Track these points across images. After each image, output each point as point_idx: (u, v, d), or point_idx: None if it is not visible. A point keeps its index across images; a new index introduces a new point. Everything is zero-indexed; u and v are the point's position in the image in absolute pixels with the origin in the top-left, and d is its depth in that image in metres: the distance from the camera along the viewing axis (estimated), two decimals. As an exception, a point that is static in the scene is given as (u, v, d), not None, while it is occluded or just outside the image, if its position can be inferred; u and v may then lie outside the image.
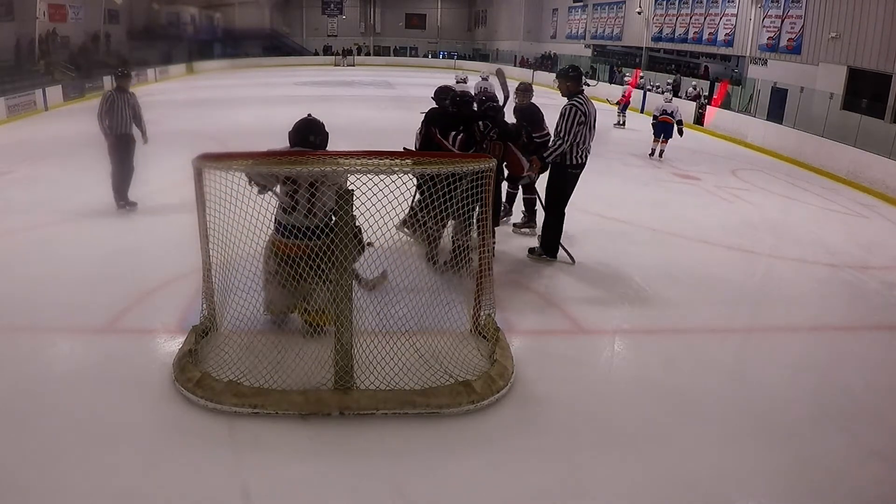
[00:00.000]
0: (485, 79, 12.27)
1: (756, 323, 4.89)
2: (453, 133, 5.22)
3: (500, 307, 4.29)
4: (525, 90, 6.53)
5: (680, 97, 16.68)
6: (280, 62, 34.67)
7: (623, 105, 15.77)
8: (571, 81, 5.39)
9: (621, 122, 15.60)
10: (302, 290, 3.95)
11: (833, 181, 10.76)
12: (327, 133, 4.06)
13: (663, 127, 11.08)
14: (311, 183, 3.69)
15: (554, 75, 18.95)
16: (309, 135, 3.95)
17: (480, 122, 5.03)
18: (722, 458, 3.21)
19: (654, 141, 11.30)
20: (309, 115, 4.11)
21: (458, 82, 13.10)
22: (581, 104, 5.27)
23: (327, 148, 4.05)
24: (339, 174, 3.59)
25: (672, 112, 11.09)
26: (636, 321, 4.70)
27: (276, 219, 3.87)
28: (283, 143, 4.09)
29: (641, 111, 18.45)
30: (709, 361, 4.19)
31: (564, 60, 28.99)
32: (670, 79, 19.65)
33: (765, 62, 16.59)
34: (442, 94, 5.97)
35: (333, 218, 3.43)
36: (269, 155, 3.78)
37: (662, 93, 15.48)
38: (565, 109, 5.25)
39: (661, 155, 11.31)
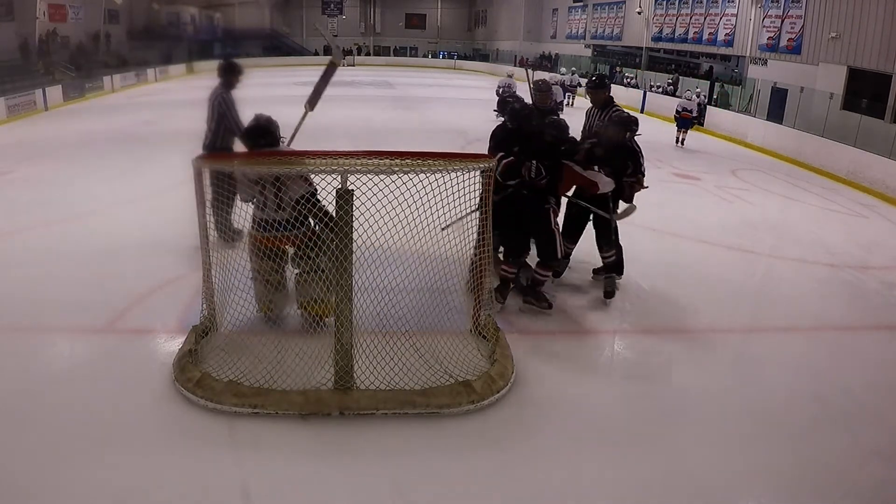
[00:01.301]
0: (510, 75, 13.93)
1: (756, 323, 4.89)
2: (500, 155, 4.47)
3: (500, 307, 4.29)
4: (546, 90, 5.59)
5: (678, 97, 16.72)
6: (280, 62, 34.63)
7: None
8: (608, 91, 5.29)
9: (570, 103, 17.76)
10: (298, 283, 3.98)
11: (833, 181, 10.75)
12: (274, 131, 4.06)
13: (684, 121, 13.27)
14: (274, 179, 3.76)
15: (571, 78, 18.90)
16: (259, 139, 4.01)
17: (533, 165, 4.34)
18: (722, 458, 3.22)
19: (678, 131, 13.30)
20: (256, 116, 4.13)
21: (559, 84, 14.11)
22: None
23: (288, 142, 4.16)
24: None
25: (691, 110, 13.39)
26: (636, 321, 4.70)
27: (252, 216, 3.95)
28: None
29: (641, 111, 18.45)
30: (709, 361, 4.20)
31: (564, 61, 28.99)
32: (670, 78, 19.66)
33: (765, 62, 16.58)
34: (501, 108, 5.44)
35: (309, 199, 3.63)
36: (266, 155, 3.82)
37: (664, 93, 15.87)
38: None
39: (683, 143, 13.09)
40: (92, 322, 4.28)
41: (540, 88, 5.40)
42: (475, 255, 3.98)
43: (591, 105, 5.44)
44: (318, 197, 3.68)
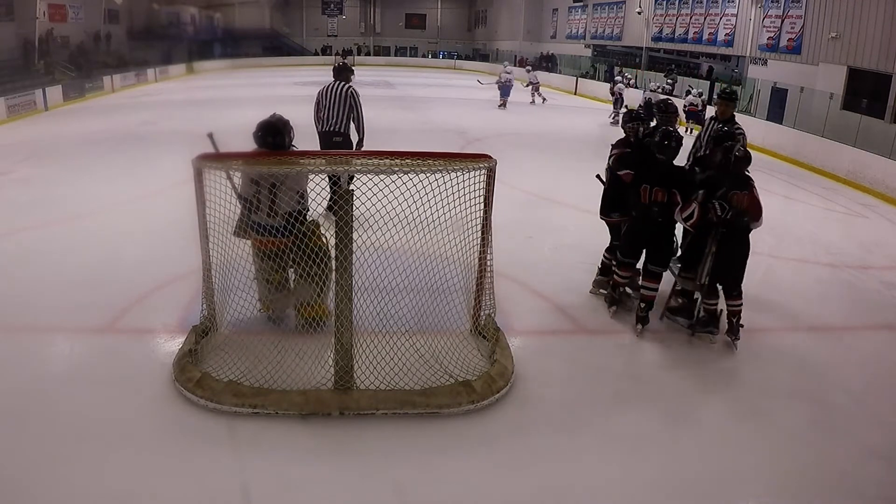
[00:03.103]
0: (508, 71, 14.29)
1: (756, 323, 4.88)
2: (692, 207, 4.15)
3: (500, 307, 4.29)
4: (673, 111, 5.06)
5: (677, 96, 16.83)
6: (280, 62, 34.65)
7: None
8: (736, 103, 5.13)
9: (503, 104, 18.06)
10: (296, 286, 3.99)
11: (833, 181, 10.75)
12: (284, 132, 3.97)
13: (691, 114, 14.55)
14: (271, 184, 3.75)
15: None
16: (267, 136, 3.95)
17: (717, 205, 4.09)
18: (722, 459, 3.22)
19: (687, 122, 14.27)
20: (273, 114, 4.07)
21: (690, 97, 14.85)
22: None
23: (296, 144, 4.07)
24: (301, 178, 3.74)
25: (697, 104, 14.67)
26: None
27: (248, 217, 3.91)
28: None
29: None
30: (709, 361, 4.20)
31: (564, 61, 28.96)
32: (668, 80, 19.65)
33: (765, 62, 16.58)
34: (633, 122, 4.82)
35: (299, 218, 3.65)
36: (265, 155, 3.82)
37: (664, 93, 16.12)
38: (741, 138, 4.86)
39: (692, 132, 13.30)
40: (92, 322, 4.27)
41: (665, 110, 5.04)
42: (481, 256, 3.97)
43: (713, 116, 5.25)
44: (307, 217, 3.78)
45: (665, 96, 13.01)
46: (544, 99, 19.61)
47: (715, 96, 17.06)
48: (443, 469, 3.03)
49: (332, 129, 6.19)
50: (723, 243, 4.16)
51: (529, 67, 24.25)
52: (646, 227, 4.41)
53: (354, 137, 6.34)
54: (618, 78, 18.53)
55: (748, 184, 4.19)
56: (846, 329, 4.87)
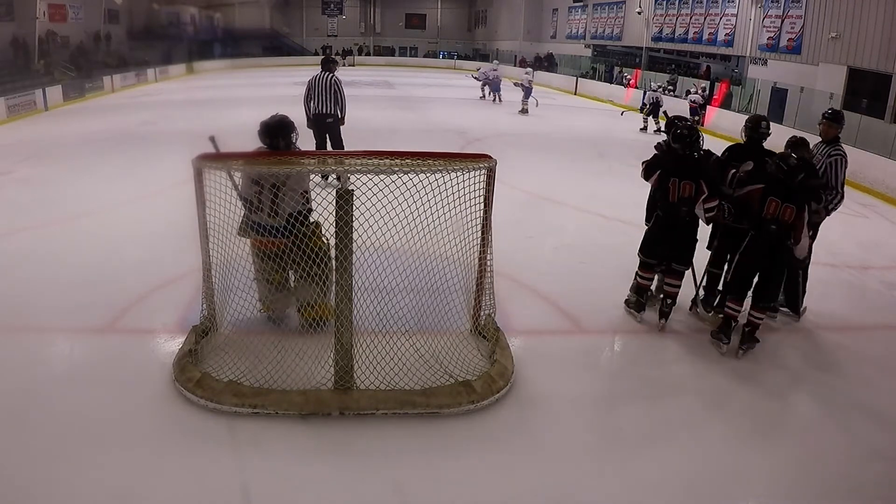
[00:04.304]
0: (495, 69, 14.36)
1: (756, 323, 4.88)
2: (715, 202, 4.26)
3: (500, 307, 4.29)
4: (768, 131, 4.74)
5: (678, 96, 16.89)
6: (280, 62, 34.62)
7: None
8: (841, 128, 4.95)
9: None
10: (296, 287, 3.98)
11: (833, 181, 10.75)
12: (287, 133, 3.97)
13: (692, 110, 15.11)
14: (273, 184, 3.75)
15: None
16: (269, 136, 3.95)
17: (726, 207, 4.27)
18: (722, 458, 3.22)
19: (690, 116, 14.45)
20: (276, 114, 4.06)
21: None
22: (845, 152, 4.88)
23: (297, 143, 4.09)
24: (302, 178, 3.76)
25: (696, 100, 15.41)
26: (636, 321, 4.70)
27: (247, 217, 3.90)
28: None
29: (641, 111, 18.50)
30: (709, 361, 4.19)
31: (564, 61, 28.96)
32: (668, 79, 19.66)
33: (765, 62, 16.58)
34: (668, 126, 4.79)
35: (299, 219, 3.67)
36: (265, 155, 3.82)
37: (661, 91, 16.33)
38: (839, 160, 4.77)
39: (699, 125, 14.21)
40: (92, 322, 4.27)
41: (762, 129, 4.67)
42: (480, 256, 3.97)
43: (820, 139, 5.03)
44: (311, 217, 3.78)
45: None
46: (494, 99, 18.92)
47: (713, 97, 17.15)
48: (443, 469, 3.03)
49: (323, 111, 7.76)
50: (750, 248, 4.14)
51: (479, 67, 23.91)
52: (672, 225, 4.43)
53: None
54: (495, 62, 20.21)
55: (804, 204, 4.01)
56: (846, 329, 4.87)
